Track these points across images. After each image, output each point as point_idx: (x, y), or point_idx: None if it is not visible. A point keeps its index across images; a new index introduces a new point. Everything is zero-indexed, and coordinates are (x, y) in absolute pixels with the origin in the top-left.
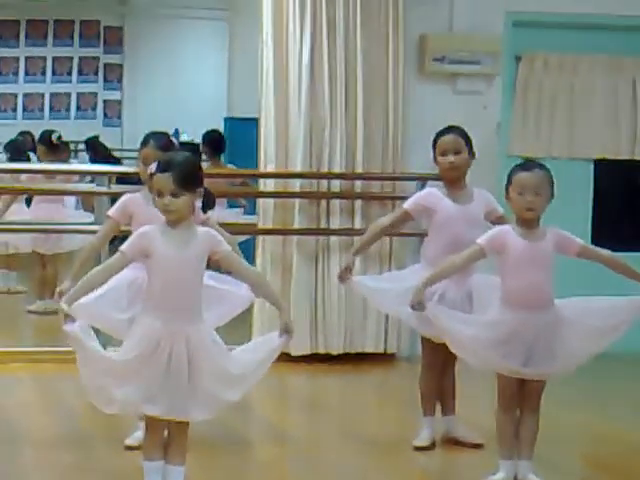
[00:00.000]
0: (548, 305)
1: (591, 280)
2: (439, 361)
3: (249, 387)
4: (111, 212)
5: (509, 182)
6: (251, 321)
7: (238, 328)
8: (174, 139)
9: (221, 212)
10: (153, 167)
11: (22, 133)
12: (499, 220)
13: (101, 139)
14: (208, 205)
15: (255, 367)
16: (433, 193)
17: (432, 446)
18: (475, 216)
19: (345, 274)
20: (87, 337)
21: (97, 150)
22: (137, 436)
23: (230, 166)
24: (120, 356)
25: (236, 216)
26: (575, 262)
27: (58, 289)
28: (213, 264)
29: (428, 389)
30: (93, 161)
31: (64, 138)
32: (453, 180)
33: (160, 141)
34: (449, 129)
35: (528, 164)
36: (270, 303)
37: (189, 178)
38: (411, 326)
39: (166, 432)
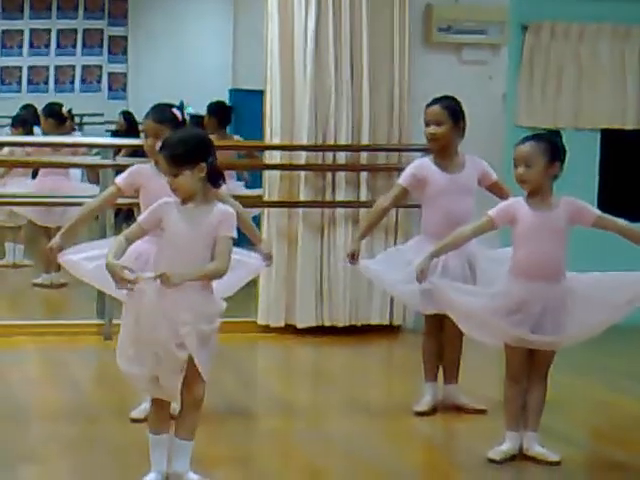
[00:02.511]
0: (558, 276)
1: (607, 254)
2: (439, 328)
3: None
4: (118, 179)
5: None
6: (257, 294)
7: (244, 301)
8: (177, 111)
9: (230, 184)
10: (158, 146)
11: (25, 106)
12: (493, 186)
13: (105, 112)
14: (216, 180)
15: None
16: (425, 164)
17: (432, 411)
18: (466, 184)
19: (352, 260)
20: None
21: (131, 122)
22: (143, 409)
23: (236, 137)
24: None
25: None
26: (592, 236)
27: (49, 245)
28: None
29: (428, 355)
30: (117, 134)
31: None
32: (437, 151)
33: (159, 114)
34: (437, 100)
35: (527, 136)
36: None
37: (182, 156)
38: (415, 308)
39: (179, 407)
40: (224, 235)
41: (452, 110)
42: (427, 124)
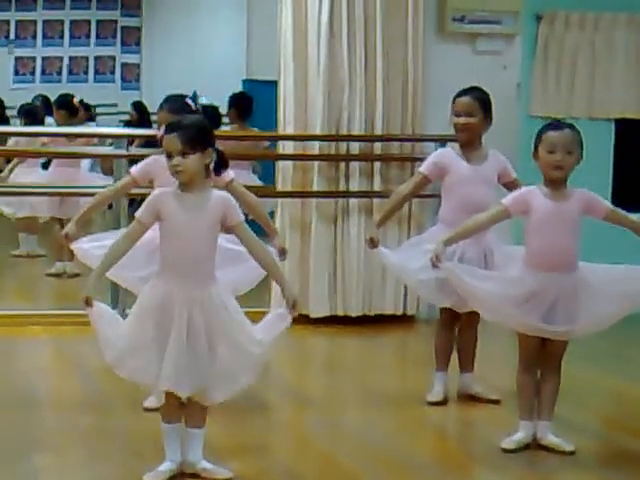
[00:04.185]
0: (571, 267)
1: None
2: (454, 319)
3: (260, 368)
4: (133, 170)
5: (539, 140)
6: (270, 284)
7: (258, 291)
8: (190, 102)
9: (247, 176)
10: (162, 131)
11: (37, 97)
12: (512, 184)
13: (119, 103)
14: (220, 166)
15: (265, 349)
16: (447, 153)
17: (444, 401)
18: (487, 176)
19: (370, 246)
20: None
21: (142, 113)
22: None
23: (255, 129)
24: (135, 326)
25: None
26: (604, 230)
27: (63, 232)
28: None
29: (440, 345)
30: (129, 124)
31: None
32: (465, 141)
33: (174, 104)
34: (467, 90)
35: (559, 123)
36: (274, 280)
37: (196, 137)
38: (430, 301)
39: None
40: (237, 223)
41: (483, 101)
42: (458, 115)
